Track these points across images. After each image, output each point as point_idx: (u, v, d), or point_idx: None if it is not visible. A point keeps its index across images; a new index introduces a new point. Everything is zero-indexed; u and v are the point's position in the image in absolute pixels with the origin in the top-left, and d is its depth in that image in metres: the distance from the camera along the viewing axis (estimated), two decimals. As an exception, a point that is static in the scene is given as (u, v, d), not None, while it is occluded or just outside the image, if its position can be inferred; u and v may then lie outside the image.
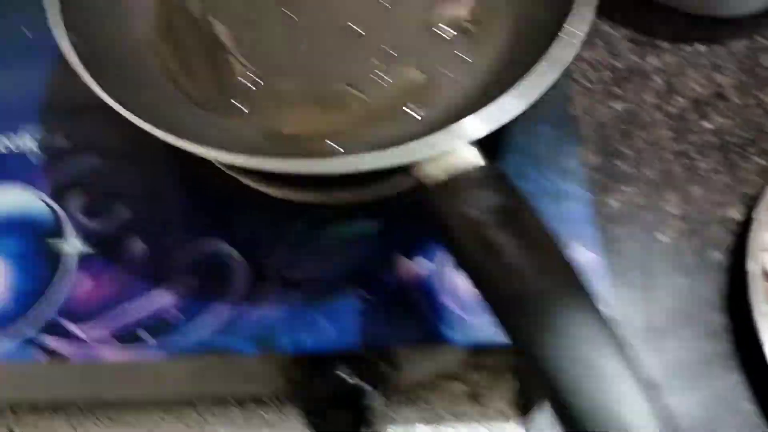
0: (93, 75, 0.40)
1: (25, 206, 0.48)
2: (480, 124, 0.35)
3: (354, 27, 0.50)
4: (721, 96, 0.62)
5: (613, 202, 0.57)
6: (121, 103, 0.38)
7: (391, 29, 0.50)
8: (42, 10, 0.44)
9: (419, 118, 0.45)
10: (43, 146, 0.51)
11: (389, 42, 0.49)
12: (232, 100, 0.47)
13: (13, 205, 0.48)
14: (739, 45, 0.65)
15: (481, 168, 0.34)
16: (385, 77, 0.47)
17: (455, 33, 0.49)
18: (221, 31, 0.51)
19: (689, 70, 0.64)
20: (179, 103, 0.47)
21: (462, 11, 0.50)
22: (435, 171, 0.34)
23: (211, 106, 0.47)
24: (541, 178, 0.47)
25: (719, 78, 0.63)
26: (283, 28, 0.50)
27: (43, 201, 0.48)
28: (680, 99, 0.63)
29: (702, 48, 0.65)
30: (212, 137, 0.40)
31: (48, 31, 0.43)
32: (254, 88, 0.48)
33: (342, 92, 0.47)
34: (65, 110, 0.52)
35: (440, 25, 0.49)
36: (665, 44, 0.65)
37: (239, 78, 0.48)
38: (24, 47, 0.55)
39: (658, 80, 0.63)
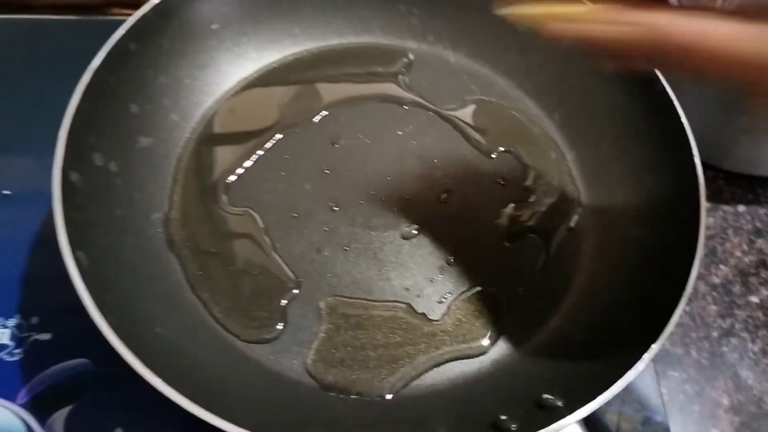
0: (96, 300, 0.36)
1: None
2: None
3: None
4: (765, 264, 0.59)
5: (661, 390, 0.53)
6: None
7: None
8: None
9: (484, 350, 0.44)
10: (22, 346, 0.45)
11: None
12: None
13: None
14: (779, 206, 0.62)
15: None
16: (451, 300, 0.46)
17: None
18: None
19: (730, 233, 0.60)
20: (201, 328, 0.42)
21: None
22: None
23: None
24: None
25: (761, 243, 0.60)
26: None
27: (21, 418, 0.42)
28: (723, 267, 0.59)
29: (742, 208, 0.62)
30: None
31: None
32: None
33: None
34: (50, 303, 0.46)
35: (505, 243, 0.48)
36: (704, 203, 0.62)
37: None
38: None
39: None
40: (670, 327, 0.38)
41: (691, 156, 0.44)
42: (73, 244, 0.37)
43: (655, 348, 0.37)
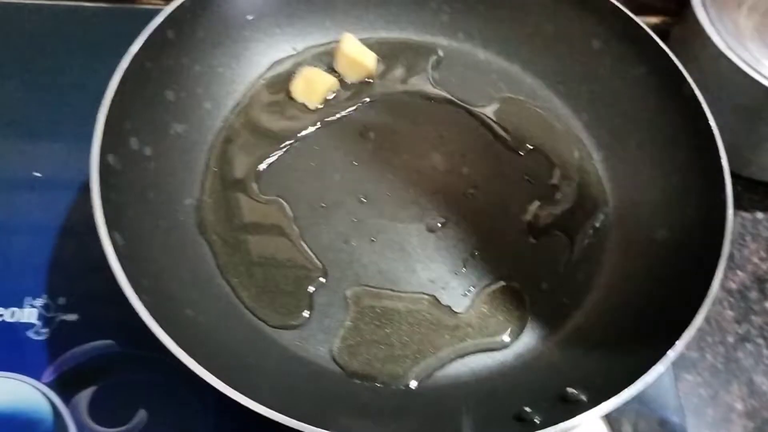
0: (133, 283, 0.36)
1: (22, 402, 0.42)
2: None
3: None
4: (782, 272, 0.59)
5: (677, 393, 0.53)
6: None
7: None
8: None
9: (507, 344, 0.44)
10: (49, 326, 0.45)
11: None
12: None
13: (8, 401, 0.42)
14: (799, 213, 0.62)
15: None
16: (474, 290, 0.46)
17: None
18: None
19: (748, 239, 0.60)
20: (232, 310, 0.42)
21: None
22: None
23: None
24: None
25: (780, 251, 0.60)
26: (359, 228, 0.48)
27: (46, 397, 0.42)
28: (740, 273, 0.59)
29: (760, 215, 0.62)
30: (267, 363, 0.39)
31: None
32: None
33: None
34: (77, 284, 0.47)
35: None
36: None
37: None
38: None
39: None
40: (695, 327, 0.38)
41: (719, 159, 0.44)
42: (109, 225, 0.38)
43: (679, 346, 0.37)
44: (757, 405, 0.53)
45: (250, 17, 0.52)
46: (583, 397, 0.38)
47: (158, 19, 0.45)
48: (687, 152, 0.47)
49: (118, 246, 0.38)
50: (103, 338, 0.45)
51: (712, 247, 0.41)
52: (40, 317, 0.45)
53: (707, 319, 0.57)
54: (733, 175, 0.62)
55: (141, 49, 0.44)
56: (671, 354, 0.37)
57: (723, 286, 0.59)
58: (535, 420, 0.37)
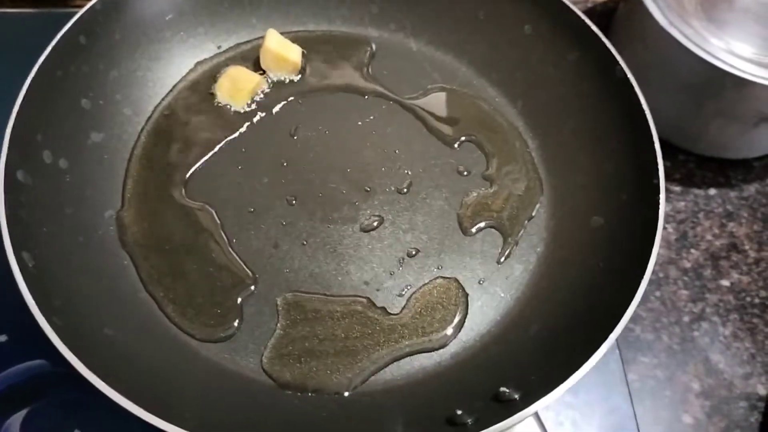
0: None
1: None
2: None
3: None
4: (736, 248, 0.58)
5: (631, 377, 0.52)
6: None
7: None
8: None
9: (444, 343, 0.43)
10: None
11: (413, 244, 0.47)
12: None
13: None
14: (750, 189, 0.61)
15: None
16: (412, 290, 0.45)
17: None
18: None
19: (701, 217, 0.60)
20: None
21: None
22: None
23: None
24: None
25: (732, 227, 0.59)
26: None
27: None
28: (693, 251, 0.59)
29: (713, 191, 0.61)
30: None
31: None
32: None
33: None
34: (5, 303, 0.44)
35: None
36: (676, 187, 0.61)
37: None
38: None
39: (669, 228, 0.59)
40: (626, 319, 0.37)
41: (652, 142, 0.43)
42: (17, 245, 0.36)
43: (611, 339, 0.37)
44: (714, 384, 0.53)
45: (169, 17, 0.50)
46: (516, 396, 0.37)
47: (67, 26, 0.44)
48: (621, 137, 0.46)
49: (28, 266, 0.36)
50: (35, 358, 0.44)
51: (646, 234, 0.40)
52: (-32, 340, 0.44)
53: (662, 300, 0.57)
54: (684, 152, 0.62)
55: (49, 57, 0.42)
56: (603, 347, 0.37)
57: (677, 266, 0.58)
58: (467, 422, 0.36)
